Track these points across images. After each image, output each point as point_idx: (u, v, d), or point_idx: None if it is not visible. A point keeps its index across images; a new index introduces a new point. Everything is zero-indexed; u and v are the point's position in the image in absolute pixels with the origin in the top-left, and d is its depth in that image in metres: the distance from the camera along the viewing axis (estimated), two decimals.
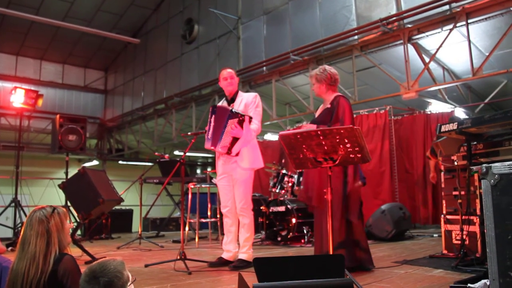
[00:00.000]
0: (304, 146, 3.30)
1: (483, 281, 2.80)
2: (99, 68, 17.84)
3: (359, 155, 3.22)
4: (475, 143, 4.16)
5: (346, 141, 3.14)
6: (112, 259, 2.05)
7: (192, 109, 12.70)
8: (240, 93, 4.82)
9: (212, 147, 4.47)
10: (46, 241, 2.36)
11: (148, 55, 15.37)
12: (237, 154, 4.49)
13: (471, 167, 3.95)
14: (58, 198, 8.04)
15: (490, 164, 1.91)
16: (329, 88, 4.28)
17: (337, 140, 3.16)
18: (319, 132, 3.20)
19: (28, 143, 15.20)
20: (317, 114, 4.38)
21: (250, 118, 4.53)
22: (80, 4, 13.69)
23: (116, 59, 17.36)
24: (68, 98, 17.05)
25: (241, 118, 4.41)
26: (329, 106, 4.19)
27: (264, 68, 10.53)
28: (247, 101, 4.68)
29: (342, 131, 3.12)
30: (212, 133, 4.48)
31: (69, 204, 6.52)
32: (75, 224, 7.21)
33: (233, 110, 4.48)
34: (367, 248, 4.24)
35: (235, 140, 4.41)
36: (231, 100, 4.75)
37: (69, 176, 6.88)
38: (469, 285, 2.83)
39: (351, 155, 3.23)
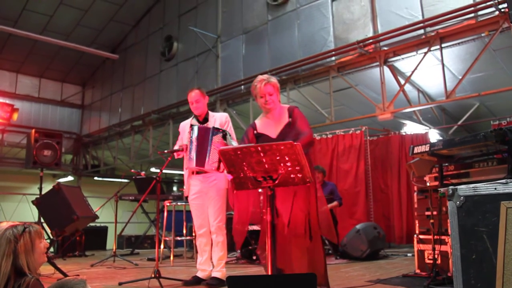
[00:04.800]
0: (244, 163, 3.05)
1: None
2: (76, 83, 17.70)
3: (300, 175, 3.01)
4: (446, 164, 4.26)
5: (287, 158, 2.93)
6: (73, 278, 1.98)
7: (170, 126, 12.67)
8: (212, 114, 4.86)
9: (200, 167, 4.43)
10: (12, 262, 2.26)
11: (126, 71, 15.32)
12: (223, 170, 4.49)
13: (440, 189, 4.04)
14: (31, 214, 7.93)
15: (456, 186, 1.98)
16: (280, 100, 3.92)
17: (277, 158, 2.95)
18: (259, 148, 2.97)
19: (1, 158, 14.95)
20: (269, 132, 3.86)
21: (230, 134, 4.57)
22: (59, 18, 13.63)
23: (94, 74, 17.27)
24: (44, 113, 16.84)
25: (224, 133, 4.44)
26: (290, 120, 3.80)
27: (242, 87, 10.60)
28: (221, 122, 4.72)
29: (282, 147, 2.91)
30: (197, 153, 4.43)
31: (42, 220, 6.43)
32: (48, 241, 7.09)
33: (215, 126, 4.51)
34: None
35: None
36: (204, 120, 4.78)
37: (43, 192, 6.80)
38: None
39: (291, 175, 3.02)
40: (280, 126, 3.81)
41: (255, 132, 3.90)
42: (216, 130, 4.44)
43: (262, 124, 3.92)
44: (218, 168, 4.38)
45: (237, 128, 5.13)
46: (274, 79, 3.84)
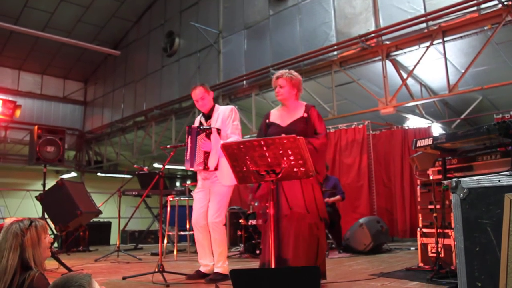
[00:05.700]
0: (247, 157, 3.07)
1: None
2: (78, 79, 17.71)
3: (303, 169, 3.03)
4: (449, 158, 4.25)
5: (290, 152, 2.96)
6: (78, 273, 1.99)
7: (172, 122, 12.68)
8: (217, 107, 4.80)
9: (191, 168, 4.48)
10: (19, 256, 2.29)
11: (128, 67, 15.32)
12: (216, 168, 4.50)
13: (444, 181, 4.04)
14: (35, 210, 7.94)
15: (459, 179, 1.99)
16: (297, 95, 4.09)
17: (280, 152, 2.98)
18: (262, 142, 3.00)
19: (4, 154, 14.98)
20: (280, 122, 4.05)
21: (218, 130, 4.55)
22: (61, 14, 13.63)
23: (96, 70, 17.27)
24: (47, 109, 16.85)
25: (207, 132, 4.44)
26: (304, 115, 3.96)
27: (244, 82, 10.59)
28: (224, 116, 4.67)
29: (285, 141, 2.94)
30: (190, 154, 4.48)
31: (46, 216, 6.46)
32: (52, 236, 7.12)
33: (201, 127, 4.53)
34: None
35: (207, 154, 4.43)
36: (208, 116, 4.76)
37: (46, 188, 6.82)
38: None
39: (294, 169, 3.05)
40: (292, 117, 4.01)
41: (267, 121, 4.14)
42: (201, 130, 4.47)
43: (275, 114, 4.15)
44: (205, 168, 4.42)
45: None
46: (289, 74, 4.05)
